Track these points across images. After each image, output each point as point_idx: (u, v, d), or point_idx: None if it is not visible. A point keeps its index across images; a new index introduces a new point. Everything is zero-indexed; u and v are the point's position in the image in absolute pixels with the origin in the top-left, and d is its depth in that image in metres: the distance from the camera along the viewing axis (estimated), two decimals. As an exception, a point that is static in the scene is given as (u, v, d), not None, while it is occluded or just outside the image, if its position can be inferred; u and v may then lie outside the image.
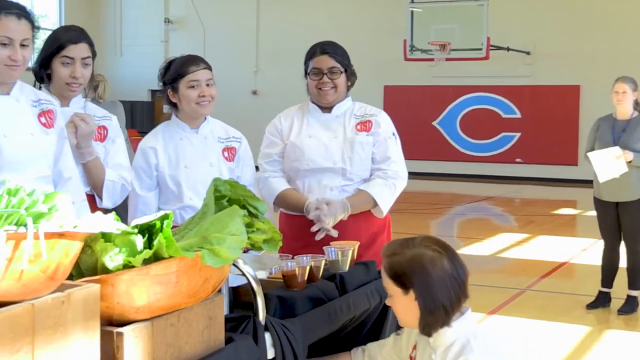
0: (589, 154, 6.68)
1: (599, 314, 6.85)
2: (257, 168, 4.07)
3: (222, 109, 14.65)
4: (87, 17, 22.69)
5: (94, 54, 3.70)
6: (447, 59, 17.94)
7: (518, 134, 19.86)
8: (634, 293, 6.83)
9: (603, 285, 6.98)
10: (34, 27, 3.20)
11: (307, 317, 2.70)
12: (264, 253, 3.46)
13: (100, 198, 3.69)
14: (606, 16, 18.46)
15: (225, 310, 2.65)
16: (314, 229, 3.80)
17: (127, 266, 1.89)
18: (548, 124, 19.38)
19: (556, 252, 9.94)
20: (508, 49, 18.69)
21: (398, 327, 3.27)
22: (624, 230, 6.77)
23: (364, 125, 4.01)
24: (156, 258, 1.91)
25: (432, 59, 18.33)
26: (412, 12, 17.94)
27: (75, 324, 1.77)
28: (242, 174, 3.89)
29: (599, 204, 6.89)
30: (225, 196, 2.11)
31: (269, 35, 21.50)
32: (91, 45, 3.67)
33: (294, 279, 2.83)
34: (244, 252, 3.19)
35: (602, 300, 6.95)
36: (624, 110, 6.73)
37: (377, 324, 3.19)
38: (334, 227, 3.83)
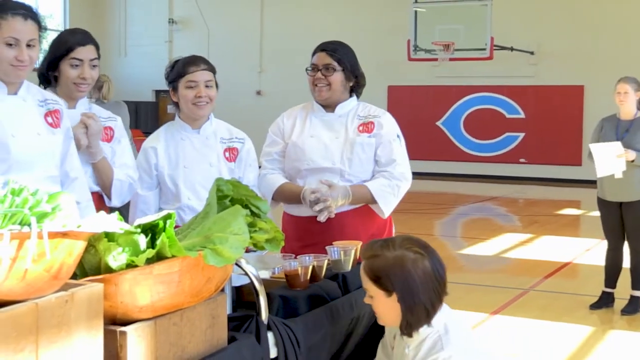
0: (591, 145, 6.68)
1: (602, 314, 6.85)
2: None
3: (226, 109, 14.73)
4: (91, 18, 22.73)
5: (99, 56, 3.75)
6: (451, 59, 17.93)
7: (522, 134, 19.84)
8: (637, 293, 6.83)
9: (606, 286, 6.98)
10: (41, 28, 3.23)
11: (310, 317, 2.71)
12: (267, 253, 3.49)
13: (109, 197, 3.73)
14: (610, 16, 18.44)
15: (228, 309, 2.66)
16: (316, 208, 3.79)
17: (130, 266, 1.90)
18: (552, 124, 19.37)
19: (559, 252, 9.94)
20: (512, 49, 18.68)
21: None
22: (627, 230, 6.78)
23: (366, 127, 4.02)
24: (159, 258, 1.92)
25: (435, 59, 18.33)
26: (415, 12, 17.94)
27: (78, 323, 1.79)
28: (244, 175, 3.90)
29: (603, 204, 6.89)
30: (228, 196, 2.13)
31: (273, 36, 21.51)
32: (97, 47, 3.72)
33: (296, 279, 2.84)
34: (247, 251, 3.21)
35: (605, 301, 6.95)
36: (627, 110, 6.73)
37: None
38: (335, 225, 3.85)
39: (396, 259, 2.56)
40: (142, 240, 1.89)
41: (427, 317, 2.57)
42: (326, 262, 3.02)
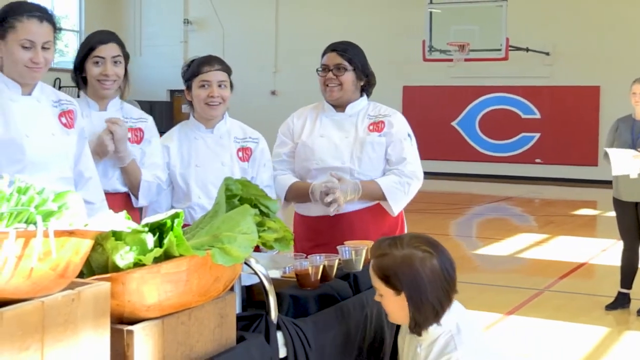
0: (607, 149, 6.65)
1: (618, 315, 6.80)
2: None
3: (241, 109, 14.73)
4: (106, 18, 22.79)
5: (125, 55, 3.76)
6: (466, 60, 17.87)
7: (537, 135, 19.76)
8: (653, 294, 6.79)
9: (622, 286, 6.93)
10: (56, 29, 3.24)
11: (320, 316, 2.70)
12: (278, 252, 3.48)
13: (137, 198, 3.74)
14: (627, 17, 18.34)
15: (237, 309, 2.65)
16: (327, 199, 3.77)
17: (137, 264, 1.89)
18: (568, 125, 19.28)
19: (575, 252, 9.89)
20: (527, 50, 18.61)
21: None
22: (643, 231, 6.74)
23: (377, 126, 4.00)
24: (167, 257, 1.91)
25: (451, 60, 18.27)
26: (430, 12, 17.89)
27: (85, 322, 1.78)
28: (257, 175, 3.88)
29: (618, 205, 6.84)
30: (237, 195, 2.11)
31: (288, 36, 21.51)
32: (121, 45, 3.74)
33: (307, 278, 2.82)
34: (258, 251, 3.21)
35: (621, 301, 6.90)
36: (643, 111, 6.70)
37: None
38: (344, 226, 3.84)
39: (404, 258, 2.54)
40: (150, 239, 1.88)
41: (435, 316, 2.55)
42: (337, 261, 3.00)
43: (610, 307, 6.89)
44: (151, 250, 1.87)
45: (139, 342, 1.93)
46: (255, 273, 2.42)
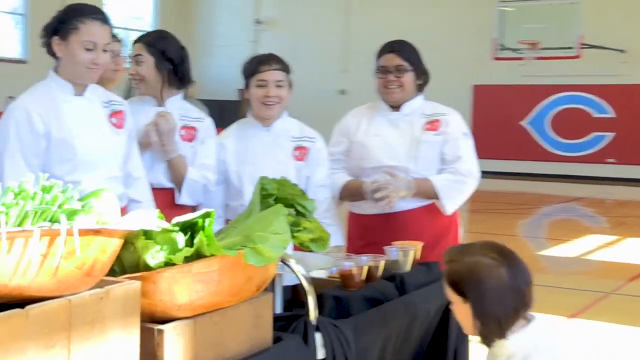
0: None
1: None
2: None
3: (310, 108, 14.79)
4: (179, 19, 23.08)
5: (159, 54, 3.79)
6: (537, 58, 17.60)
7: (611, 134, 19.35)
8: None
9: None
10: (111, 32, 3.31)
11: (361, 318, 2.66)
12: (328, 252, 3.46)
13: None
14: None
15: (278, 309, 2.65)
16: (377, 195, 3.75)
17: (168, 264, 1.89)
18: (644, 124, 18.85)
19: (647, 255, 9.66)
20: (602, 48, 18.22)
21: (460, 328, 3.22)
22: None
23: (433, 125, 3.96)
24: (198, 256, 1.91)
25: (521, 58, 18.02)
26: (501, 11, 17.67)
27: (114, 321, 1.79)
28: (313, 174, 3.87)
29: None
30: (272, 195, 2.10)
31: (358, 35, 21.45)
32: (150, 45, 3.77)
33: (351, 279, 2.80)
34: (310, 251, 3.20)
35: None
36: None
37: (441, 329, 3.14)
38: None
39: (471, 265, 2.47)
40: (181, 239, 1.88)
41: (500, 330, 2.43)
42: (383, 262, 2.96)
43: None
44: (182, 250, 1.87)
45: (170, 342, 1.93)
46: (295, 274, 2.40)
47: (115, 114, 3.40)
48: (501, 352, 2.46)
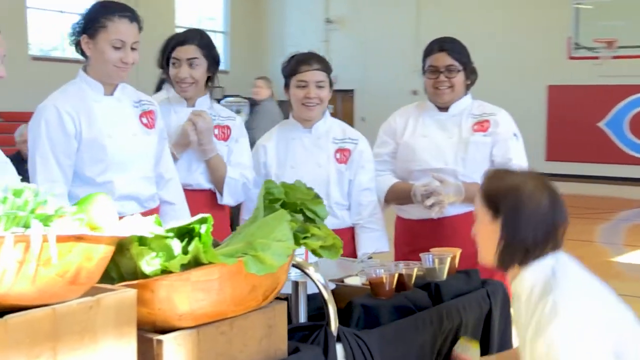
0: None
1: None
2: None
3: (381, 108, 14.60)
4: (250, 20, 23.22)
5: (210, 56, 3.71)
6: (614, 57, 17.11)
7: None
8: None
9: None
10: (140, 29, 3.25)
11: (389, 328, 2.54)
12: (367, 258, 3.35)
13: (222, 195, 3.72)
14: None
15: (302, 318, 2.55)
16: (427, 202, 3.62)
17: (166, 271, 1.81)
18: None
19: None
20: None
21: (502, 344, 3.07)
22: None
23: (481, 125, 3.81)
24: (198, 264, 1.82)
25: (597, 57, 17.56)
26: (576, 8, 17.25)
27: (106, 330, 1.71)
28: (355, 177, 3.75)
29: None
30: (279, 199, 2.00)
31: (429, 34, 20.71)
32: (203, 47, 3.69)
33: (381, 287, 2.68)
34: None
35: None
36: None
37: (482, 340, 2.99)
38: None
39: (514, 183, 2.38)
40: (176, 245, 1.79)
41: (524, 255, 2.35)
42: (416, 270, 2.83)
43: None
44: (177, 256, 1.78)
45: (170, 352, 1.84)
46: (313, 282, 2.29)
47: (145, 113, 3.35)
48: (521, 289, 2.37)
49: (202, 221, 1.78)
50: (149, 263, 1.77)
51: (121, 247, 1.81)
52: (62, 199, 3.09)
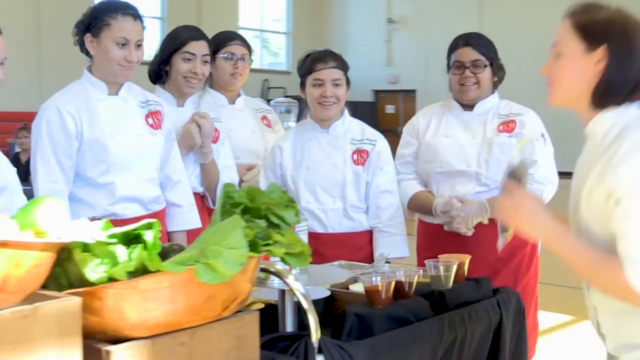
0: None
1: None
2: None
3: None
4: (313, 20, 23.17)
5: (211, 54, 3.69)
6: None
7: None
8: None
9: None
10: (143, 28, 3.20)
11: (379, 339, 2.41)
12: (378, 262, 3.22)
13: (213, 200, 3.65)
14: None
15: (288, 327, 2.44)
16: (446, 228, 3.51)
17: (113, 279, 1.71)
18: None
19: None
20: None
21: (515, 357, 2.91)
22: None
23: (507, 126, 3.65)
24: (147, 271, 1.72)
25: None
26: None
27: (45, 341, 1.62)
28: (373, 179, 3.63)
29: None
30: (240, 204, 1.88)
31: (491, 32, 19.98)
32: (210, 44, 3.65)
33: (376, 295, 2.54)
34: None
35: None
36: None
37: (490, 354, 2.84)
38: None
39: (619, 15, 2.13)
40: (121, 252, 1.70)
41: (627, 94, 2.11)
42: (416, 277, 2.69)
43: None
44: (121, 263, 1.69)
45: (120, 364, 1.75)
46: (292, 290, 2.18)
47: (151, 114, 3.28)
48: (597, 129, 2.16)
49: (148, 227, 1.69)
50: (94, 270, 1.68)
51: (69, 253, 1.73)
52: (62, 199, 3.05)
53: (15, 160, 10.54)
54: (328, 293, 2.62)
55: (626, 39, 2.10)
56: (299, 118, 10.09)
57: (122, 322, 1.75)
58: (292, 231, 1.89)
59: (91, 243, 1.66)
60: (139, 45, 3.13)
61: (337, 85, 3.57)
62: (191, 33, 3.62)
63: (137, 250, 1.66)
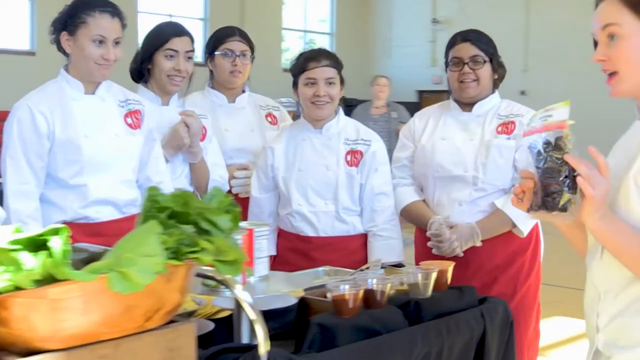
0: None
1: None
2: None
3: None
4: (358, 21, 23.03)
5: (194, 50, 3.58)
6: None
7: None
8: None
9: None
10: (123, 25, 3.11)
11: (342, 351, 2.28)
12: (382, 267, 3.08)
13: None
14: None
15: (244, 338, 2.32)
16: (434, 252, 3.38)
17: (21, 288, 1.61)
18: None
19: None
20: None
21: None
22: None
23: (506, 127, 3.48)
24: (56, 280, 1.61)
25: None
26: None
27: (-61, 353, 1.53)
28: (367, 181, 3.49)
29: None
30: (166, 208, 1.76)
31: (539, 34, 20.48)
32: (193, 40, 3.55)
33: (344, 304, 2.41)
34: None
35: None
36: None
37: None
38: None
39: None
40: (27, 259, 1.58)
41: None
42: (389, 285, 2.54)
43: None
44: (26, 271, 1.58)
45: (28, 378, 1.65)
46: (238, 301, 2.05)
47: (131, 113, 3.18)
48: None
49: (54, 232, 1.58)
50: (-3, 278, 1.58)
51: (-26, 259, 1.62)
52: (33, 201, 2.97)
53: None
54: (291, 302, 2.48)
55: None
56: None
57: (32, 333, 1.64)
58: (228, 237, 1.76)
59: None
60: (117, 43, 3.05)
61: (330, 84, 3.45)
62: (173, 29, 3.52)
63: (41, 257, 1.55)
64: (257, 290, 2.34)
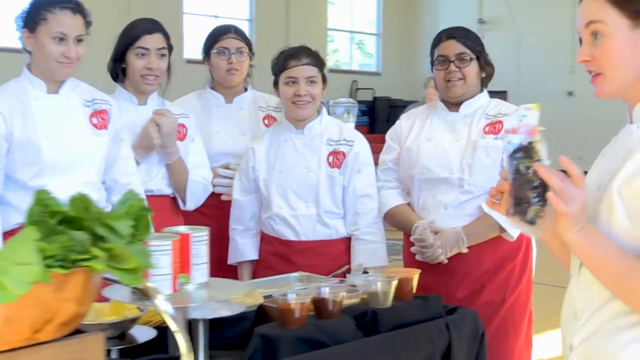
0: None
1: None
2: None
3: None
4: (404, 20, 22.85)
5: (170, 48, 3.46)
6: None
7: None
8: None
9: None
10: (87, 23, 3.02)
11: (279, 366, 2.16)
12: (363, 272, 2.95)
13: (184, 200, 3.45)
14: None
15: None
16: (417, 258, 3.24)
17: None
18: None
19: None
20: None
21: None
22: None
23: (494, 127, 3.32)
24: None
25: None
26: None
27: None
28: (350, 183, 3.36)
29: None
30: (58, 213, 1.66)
31: None
32: (167, 37, 3.43)
33: (289, 314, 2.29)
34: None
35: None
36: None
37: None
38: None
39: None
40: None
41: None
42: (342, 294, 2.41)
43: None
44: None
45: None
46: (158, 311, 1.94)
47: (97, 113, 3.09)
48: None
49: None
50: None
51: None
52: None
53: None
54: (243, 308, 2.36)
55: None
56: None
57: None
58: (130, 244, 1.65)
59: None
60: (79, 41, 2.95)
61: (311, 82, 3.33)
62: (145, 26, 3.41)
63: None
64: (194, 298, 2.22)
